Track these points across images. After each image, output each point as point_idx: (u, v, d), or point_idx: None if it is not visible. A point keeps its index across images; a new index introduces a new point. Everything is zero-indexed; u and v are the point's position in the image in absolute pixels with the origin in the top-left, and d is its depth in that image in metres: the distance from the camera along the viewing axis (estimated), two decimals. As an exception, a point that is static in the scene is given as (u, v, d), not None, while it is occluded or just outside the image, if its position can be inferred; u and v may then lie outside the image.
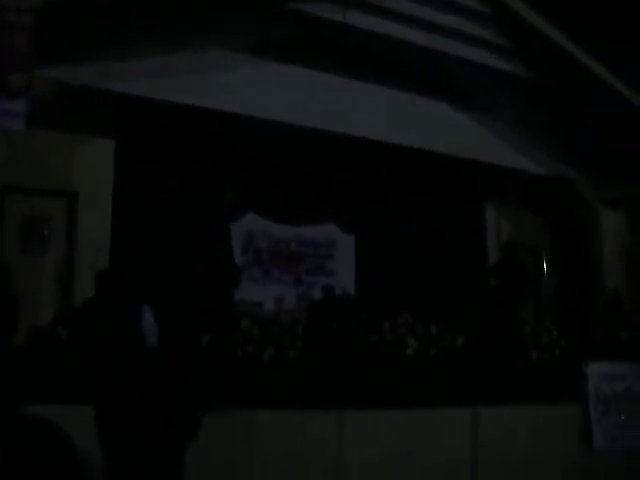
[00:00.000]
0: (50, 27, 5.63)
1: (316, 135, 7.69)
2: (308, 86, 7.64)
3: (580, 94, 8.44)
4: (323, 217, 9.10)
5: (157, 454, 2.58)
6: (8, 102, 5.80)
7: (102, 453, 2.48)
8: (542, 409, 6.92)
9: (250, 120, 7.40)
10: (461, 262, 8.97)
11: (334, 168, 8.50)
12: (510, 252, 8.69)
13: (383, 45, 7.57)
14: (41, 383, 5.07)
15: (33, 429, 1.94)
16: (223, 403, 4.95)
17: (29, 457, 1.86)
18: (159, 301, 2.61)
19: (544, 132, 9.13)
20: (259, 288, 8.43)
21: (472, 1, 7.85)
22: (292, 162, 8.29)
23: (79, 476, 1.96)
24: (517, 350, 7.43)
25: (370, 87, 8.05)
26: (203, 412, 2.71)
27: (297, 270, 8.74)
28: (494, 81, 8.44)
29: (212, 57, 7.24)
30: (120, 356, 2.48)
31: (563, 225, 10.16)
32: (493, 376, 6.86)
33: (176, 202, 7.94)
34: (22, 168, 6.86)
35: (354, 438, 6.08)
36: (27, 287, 6.68)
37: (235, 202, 7.46)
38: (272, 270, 8.84)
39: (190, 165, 8.10)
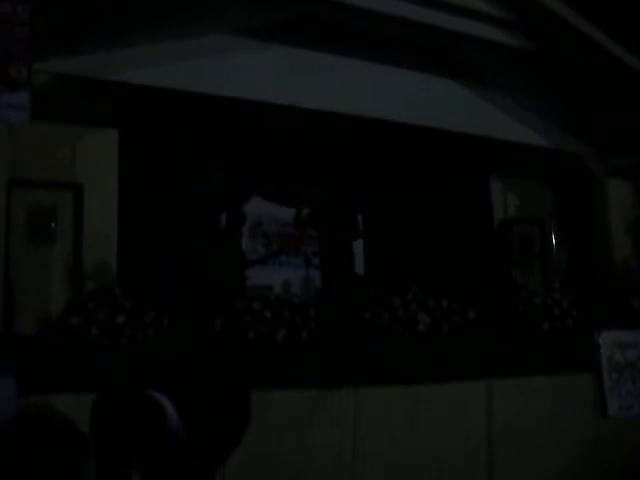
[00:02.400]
0: (49, 17, 5.62)
1: (320, 116, 7.67)
2: (312, 68, 7.59)
3: (583, 65, 8.38)
4: (329, 197, 9.08)
5: None
6: (10, 95, 5.78)
7: None
8: (556, 379, 6.95)
9: (254, 104, 7.37)
10: (468, 237, 8.97)
11: (338, 148, 8.49)
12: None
13: (385, 23, 7.51)
14: (53, 372, 5.10)
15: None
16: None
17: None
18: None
19: (548, 105, 9.08)
20: (267, 272, 8.46)
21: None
22: (297, 144, 8.28)
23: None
24: (529, 321, 7.45)
25: (374, 66, 7.99)
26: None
27: (306, 252, 8.75)
28: (498, 55, 8.37)
29: (214, 42, 7.19)
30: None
31: (571, 197, 10.13)
32: (506, 348, 6.88)
33: (182, 189, 7.94)
34: (27, 161, 6.87)
35: (369, 415, 6.12)
36: (35, 279, 6.73)
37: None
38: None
39: (195, 152, 8.09)
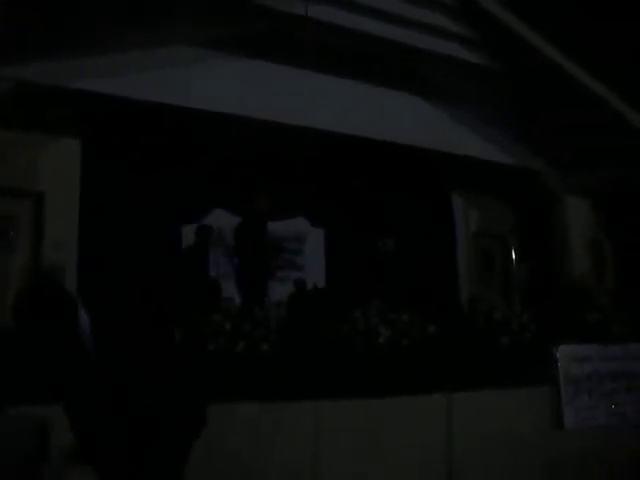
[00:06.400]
0: (11, 23, 5.58)
1: (283, 129, 7.70)
2: (274, 81, 7.63)
3: (545, 85, 8.55)
4: (293, 211, 9.11)
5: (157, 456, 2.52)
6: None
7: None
8: (514, 392, 7.02)
9: (217, 116, 7.38)
10: (430, 251, 9.04)
11: (302, 162, 8.52)
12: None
13: (347, 38, 7.59)
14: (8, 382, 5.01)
15: None
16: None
17: None
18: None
19: (510, 122, 9.23)
20: (228, 284, 8.41)
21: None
22: (260, 157, 8.29)
23: None
24: (488, 335, 7.52)
25: (336, 80, 8.07)
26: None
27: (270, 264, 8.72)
28: (459, 72, 8.50)
29: (178, 53, 7.20)
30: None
31: (531, 214, 10.29)
32: (465, 362, 6.93)
33: (144, 201, 7.89)
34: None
35: (330, 428, 6.12)
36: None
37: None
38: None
39: (157, 163, 8.05)
